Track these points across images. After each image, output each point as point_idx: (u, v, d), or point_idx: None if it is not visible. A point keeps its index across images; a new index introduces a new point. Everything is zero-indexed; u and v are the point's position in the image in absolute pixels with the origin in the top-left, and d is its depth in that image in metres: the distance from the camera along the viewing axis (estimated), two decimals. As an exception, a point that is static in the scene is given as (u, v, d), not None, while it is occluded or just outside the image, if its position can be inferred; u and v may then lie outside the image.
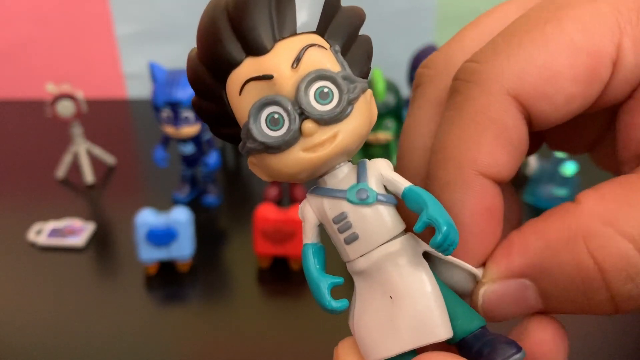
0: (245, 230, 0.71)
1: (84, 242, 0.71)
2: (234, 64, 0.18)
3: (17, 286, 0.66)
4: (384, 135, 0.73)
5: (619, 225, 0.17)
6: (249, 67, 0.17)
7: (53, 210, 0.76)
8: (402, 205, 0.19)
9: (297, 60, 0.17)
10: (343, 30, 0.19)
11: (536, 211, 0.76)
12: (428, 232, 0.18)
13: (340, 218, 0.19)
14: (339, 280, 0.19)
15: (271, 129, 0.17)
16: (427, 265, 0.19)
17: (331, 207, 0.19)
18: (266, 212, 0.64)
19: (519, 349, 0.18)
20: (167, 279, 0.66)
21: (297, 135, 0.17)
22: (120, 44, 1.07)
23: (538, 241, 0.18)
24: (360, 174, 0.19)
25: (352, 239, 0.19)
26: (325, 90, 0.17)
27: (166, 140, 0.76)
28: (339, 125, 0.18)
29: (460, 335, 0.19)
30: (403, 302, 0.18)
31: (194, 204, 0.78)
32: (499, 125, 0.19)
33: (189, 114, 0.70)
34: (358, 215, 0.18)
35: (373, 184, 0.19)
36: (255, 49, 0.17)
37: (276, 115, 0.17)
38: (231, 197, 0.83)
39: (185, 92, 0.69)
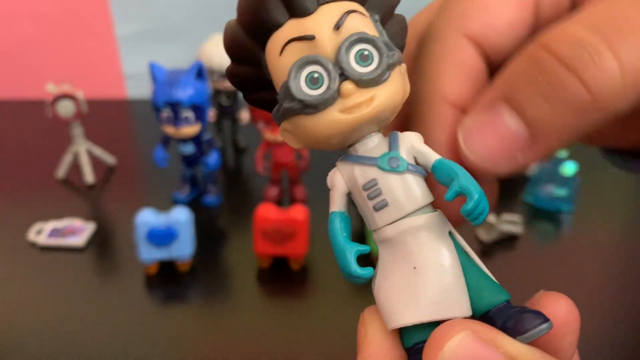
0: (245, 230, 0.71)
1: (84, 242, 0.71)
2: (277, 26, 0.18)
3: (17, 286, 0.66)
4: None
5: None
6: (291, 28, 0.18)
7: (53, 210, 0.76)
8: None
9: (339, 23, 0.18)
10: (381, 4, 0.19)
11: (536, 211, 0.76)
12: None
13: (371, 185, 0.19)
14: (365, 247, 0.19)
15: (310, 88, 0.18)
16: (452, 243, 0.19)
17: (362, 174, 0.19)
18: (266, 212, 0.64)
19: (546, 319, 0.18)
20: (167, 279, 0.66)
21: (335, 95, 0.18)
22: (121, 44, 1.07)
23: (502, 76, 0.19)
24: (392, 144, 0.19)
25: (382, 206, 0.19)
26: (366, 52, 0.18)
27: (166, 140, 0.76)
28: (377, 89, 0.18)
29: (484, 309, 0.19)
30: (426, 274, 0.18)
31: (194, 204, 0.78)
32: (459, 63, 0.21)
33: (189, 114, 0.70)
34: (388, 183, 0.19)
35: (404, 153, 0.19)
36: (299, 11, 0.18)
37: (316, 75, 0.18)
38: (231, 197, 0.83)
39: (185, 92, 0.69)
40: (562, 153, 0.76)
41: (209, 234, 0.74)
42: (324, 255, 0.70)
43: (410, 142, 0.19)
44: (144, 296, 0.65)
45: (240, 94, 0.89)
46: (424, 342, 0.18)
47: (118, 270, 0.69)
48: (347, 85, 0.17)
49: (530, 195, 0.78)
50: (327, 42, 0.18)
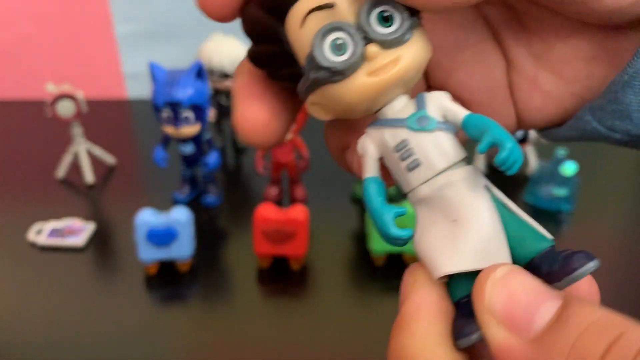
0: (245, 230, 0.71)
1: (84, 242, 0.71)
2: None
3: (17, 286, 0.66)
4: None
5: None
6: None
7: (53, 210, 0.76)
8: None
9: None
10: None
11: (536, 211, 0.76)
12: None
13: (402, 146, 0.19)
14: (402, 209, 0.19)
15: (335, 55, 0.18)
16: (489, 195, 0.19)
17: (392, 136, 0.19)
18: (266, 212, 0.64)
19: (593, 257, 0.18)
20: (167, 279, 0.66)
21: (360, 59, 0.18)
22: (121, 44, 1.07)
23: None
24: (420, 104, 0.19)
25: (414, 165, 0.19)
26: (387, 14, 0.18)
27: (166, 140, 0.76)
28: (401, 49, 0.18)
29: (529, 256, 0.19)
30: (466, 225, 0.18)
31: (194, 204, 0.78)
32: None
33: (189, 114, 0.70)
34: (419, 142, 0.19)
35: (433, 112, 0.19)
36: None
37: (340, 41, 0.18)
38: (231, 197, 0.83)
39: (185, 92, 0.69)
40: (562, 153, 0.76)
41: (209, 234, 0.74)
42: (324, 255, 0.70)
43: (439, 101, 0.19)
44: (144, 296, 0.65)
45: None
46: (470, 295, 0.18)
47: (118, 270, 0.69)
48: (372, 48, 0.18)
49: (530, 195, 0.78)
50: (347, 7, 0.18)
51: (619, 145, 0.22)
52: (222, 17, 0.20)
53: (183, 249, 0.65)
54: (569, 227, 0.76)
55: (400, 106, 0.19)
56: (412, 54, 0.18)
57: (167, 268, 0.66)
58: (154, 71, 0.71)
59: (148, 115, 0.83)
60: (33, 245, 0.71)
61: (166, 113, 0.70)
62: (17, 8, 1.04)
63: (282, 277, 0.67)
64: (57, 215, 0.75)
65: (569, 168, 0.75)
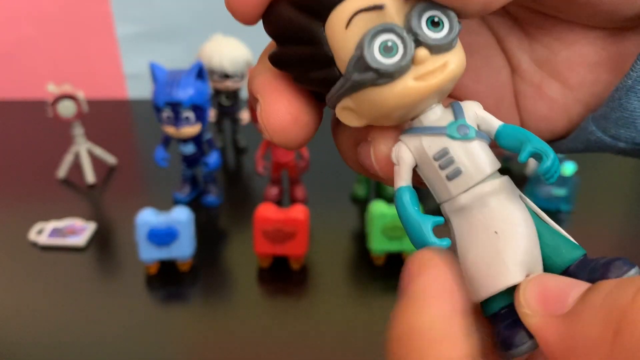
0: (245, 230, 0.72)
1: (85, 241, 0.71)
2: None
3: (18, 286, 0.66)
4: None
5: None
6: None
7: (54, 210, 0.76)
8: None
9: None
10: None
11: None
12: None
13: (442, 154, 0.19)
14: (440, 219, 0.19)
15: (384, 57, 0.17)
16: (524, 205, 0.19)
17: (431, 144, 0.19)
18: (266, 212, 0.64)
19: (633, 264, 0.18)
20: (167, 279, 0.66)
21: (410, 63, 0.17)
22: (121, 44, 1.07)
23: None
24: (457, 112, 0.19)
25: (456, 174, 0.19)
26: (436, 19, 0.18)
27: (167, 141, 0.76)
28: (448, 55, 0.18)
29: (565, 265, 0.19)
30: (508, 237, 0.18)
31: (195, 204, 0.78)
32: None
33: (189, 114, 0.71)
34: (461, 150, 0.18)
35: (470, 121, 0.19)
36: None
37: (390, 43, 0.17)
38: (231, 197, 0.83)
39: (186, 93, 0.70)
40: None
41: (209, 234, 0.74)
42: (324, 255, 0.70)
43: (474, 110, 0.19)
44: (144, 296, 0.65)
45: (241, 94, 0.89)
46: (509, 305, 0.18)
47: (118, 270, 0.69)
48: (422, 52, 0.17)
49: (530, 195, 0.78)
50: (396, 10, 0.17)
51: (623, 155, 0.22)
52: (250, 18, 0.19)
53: (183, 248, 0.65)
54: (568, 227, 0.76)
55: (437, 115, 0.19)
56: (458, 60, 0.18)
57: (167, 268, 0.67)
58: (155, 71, 0.71)
59: (148, 116, 0.83)
60: (34, 245, 0.71)
61: (167, 113, 0.70)
62: (18, 9, 1.04)
63: (282, 277, 0.67)
64: (58, 215, 0.75)
65: (568, 168, 0.75)
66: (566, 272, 0.19)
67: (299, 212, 0.64)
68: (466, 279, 0.19)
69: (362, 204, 0.78)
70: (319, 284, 0.67)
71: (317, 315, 0.63)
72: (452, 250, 0.19)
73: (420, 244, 0.19)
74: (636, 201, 0.85)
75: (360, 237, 0.72)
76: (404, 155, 0.19)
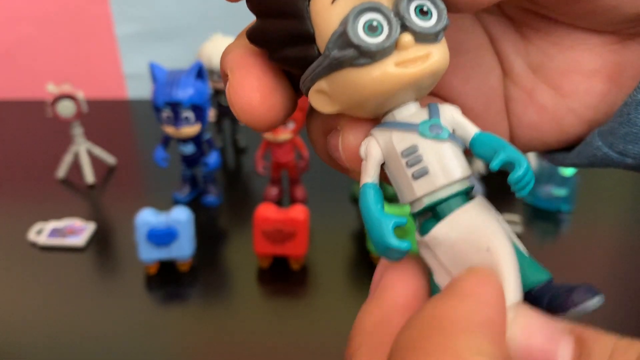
0: (245, 230, 0.71)
1: (85, 242, 0.71)
2: None
3: (18, 286, 0.66)
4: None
5: None
6: None
7: (53, 210, 0.76)
8: None
9: None
10: None
11: (536, 211, 0.76)
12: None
13: (410, 151, 0.18)
14: (402, 220, 0.18)
15: (368, 35, 0.16)
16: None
17: (401, 140, 0.18)
18: (266, 212, 0.64)
19: (596, 292, 0.17)
20: (167, 279, 0.66)
21: (393, 46, 0.17)
22: (121, 44, 1.07)
23: None
24: (433, 112, 0.18)
25: (422, 173, 0.18)
26: (425, 8, 0.17)
27: (166, 141, 0.76)
28: (432, 46, 0.17)
29: (527, 287, 0.18)
30: (501, 255, 0.17)
31: (194, 204, 0.78)
32: None
33: (189, 114, 0.70)
34: (430, 149, 0.18)
35: (445, 122, 0.18)
36: None
37: (375, 23, 0.17)
38: (231, 197, 0.83)
39: (186, 92, 0.69)
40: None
41: (209, 234, 0.74)
42: (324, 255, 0.70)
43: (451, 113, 0.19)
44: (144, 296, 0.65)
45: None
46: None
47: (118, 270, 0.69)
48: (406, 37, 0.17)
49: (530, 195, 0.78)
50: None
51: (631, 170, 0.21)
52: None
53: (183, 248, 0.65)
54: (568, 227, 0.76)
55: (411, 112, 0.18)
56: (441, 55, 0.17)
57: (167, 268, 0.67)
58: (154, 71, 0.71)
59: (148, 115, 0.83)
60: (33, 245, 0.71)
61: (166, 113, 0.70)
62: (17, 8, 1.04)
63: (282, 277, 0.67)
64: (58, 215, 0.75)
65: (568, 168, 0.75)
66: (528, 294, 0.18)
67: (299, 212, 0.64)
68: None
69: (362, 204, 0.78)
70: (319, 284, 0.67)
71: (317, 315, 0.63)
72: (424, 262, 0.18)
73: (380, 244, 0.18)
74: (636, 202, 0.85)
75: (360, 237, 0.72)
76: (373, 150, 0.18)
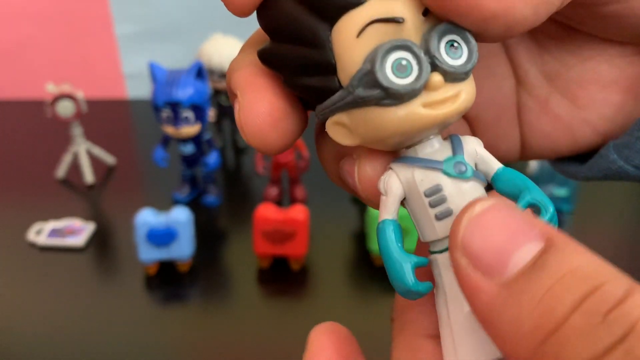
0: (245, 230, 0.71)
1: (84, 242, 0.71)
2: (357, 3, 0.16)
3: (17, 286, 0.66)
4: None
5: None
6: (375, 7, 0.16)
7: (53, 210, 0.76)
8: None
9: (427, 10, 0.16)
10: None
11: (536, 211, 0.76)
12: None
13: (434, 191, 0.17)
14: (423, 260, 0.17)
15: (397, 76, 0.16)
16: None
17: (424, 179, 0.17)
18: (266, 212, 0.64)
19: None
20: (167, 279, 0.66)
21: (422, 87, 0.16)
22: (120, 44, 1.07)
23: None
24: (456, 147, 0.17)
25: (446, 214, 0.17)
26: (456, 44, 0.16)
27: (166, 140, 0.76)
28: (462, 84, 0.16)
29: None
30: None
31: (194, 204, 0.78)
32: None
33: (189, 114, 0.70)
34: (455, 189, 0.17)
35: (468, 158, 0.17)
36: None
37: (404, 62, 0.16)
38: (231, 197, 0.83)
39: (185, 92, 0.69)
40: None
41: (209, 234, 0.74)
42: (324, 255, 0.70)
43: (473, 147, 0.18)
44: (144, 296, 0.65)
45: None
46: None
47: (118, 270, 0.69)
48: (437, 77, 0.16)
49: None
50: (416, 27, 0.16)
51: None
52: (245, 8, 0.17)
53: (183, 249, 0.65)
54: (569, 227, 0.76)
55: (434, 147, 0.18)
56: (470, 93, 0.17)
57: (167, 268, 0.66)
58: (154, 71, 0.71)
59: (148, 115, 0.83)
60: (33, 245, 0.71)
61: (166, 113, 0.70)
62: (17, 8, 1.04)
63: (282, 277, 0.67)
64: (57, 215, 0.75)
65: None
66: None
67: (299, 212, 0.64)
68: (457, 341, 0.17)
69: (362, 204, 0.78)
70: (319, 285, 0.67)
71: (317, 315, 0.63)
72: (439, 297, 0.18)
73: (399, 284, 0.17)
74: (637, 202, 0.85)
75: (360, 238, 0.72)
76: (393, 186, 0.18)
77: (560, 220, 0.76)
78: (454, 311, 0.17)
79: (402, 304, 0.19)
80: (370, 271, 0.68)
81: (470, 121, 0.22)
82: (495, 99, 0.22)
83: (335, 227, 0.75)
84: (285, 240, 0.64)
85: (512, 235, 0.14)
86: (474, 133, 0.22)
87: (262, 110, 0.17)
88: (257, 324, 0.61)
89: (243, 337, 0.59)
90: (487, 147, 0.18)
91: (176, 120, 0.70)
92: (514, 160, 0.23)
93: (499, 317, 0.14)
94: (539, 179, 0.77)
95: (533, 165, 0.82)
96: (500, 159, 0.18)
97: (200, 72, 0.72)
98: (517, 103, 0.22)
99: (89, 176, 0.84)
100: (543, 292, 0.13)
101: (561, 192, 0.76)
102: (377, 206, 0.18)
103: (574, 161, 0.22)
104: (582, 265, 0.14)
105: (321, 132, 0.20)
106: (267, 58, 0.17)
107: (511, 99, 0.22)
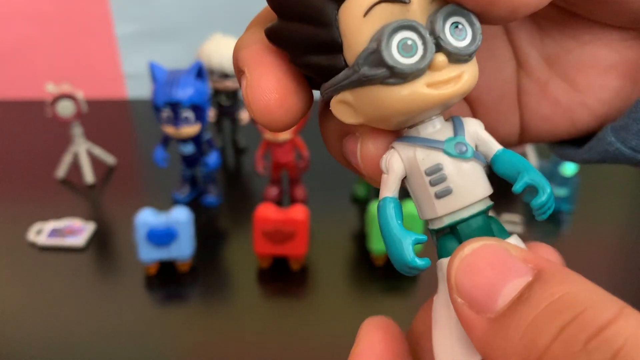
0: (245, 230, 0.71)
1: (84, 242, 0.71)
2: None
3: (17, 286, 0.66)
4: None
5: None
6: None
7: (53, 210, 0.76)
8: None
9: None
10: None
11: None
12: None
13: (435, 169, 0.17)
14: (422, 237, 0.17)
15: (402, 55, 0.16)
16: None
17: (425, 158, 0.18)
18: (266, 212, 0.64)
19: None
20: (167, 279, 0.66)
21: (427, 67, 0.16)
22: (120, 44, 1.07)
23: None
24: (458, 128, 0.18)
25: (445, 193, 0.17)
26: (460, 26, 0.17)
27: (166, 140, 0.76)
28: (465, 66, 0.17)
29: None
30: None
31: (194, 204, 0.78)
32: None
33: (189, 114, 0.70)
34: (454, 169, 0.17)
35: (469, 139, 0.18)
36: None
37: (410, 42, 0.16)
38: (231, 197, 0.83)
39: (185, 92, 0.69)
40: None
41: (209, 234, 0.74)
42: (324, 255, 0.70)
43: (474, 129, 0.18)
44: (144, 296, 0.65)
45: (240, 94, 0.89)
46: None
47: (118, 270, 0.69)
48: (441, 57, 0.16)
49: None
50: (422, 8, 0.16)
51: None
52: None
53: (183, 249, 0.65)
54: (569, 227, 0.76)
55: (436, 128, 0.18)
56: (472, 74, 0.17)
57: (167, 268, 0.66)
58: (154, 71, 0.71)
59: (148, 115, 0.83)
60: (33, 246, 0.71)
61: (166, 113, 0.70)
62: (17, 8, 1.04)
63: (282, 277, 0.67)
64: (57, 215, 0.75)
65: (569, 168, 0.75)
66: None
67: (299, 212, 0.64)
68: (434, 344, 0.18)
69: (362, 204, 0.78)
70: (319, 285, 0.67)
71: (317, 315, 0.63)
72: (439, 298, 0.18)
73: (398, 260, 0.17)
74: (637, 202, 0.85)
75: (360, 238, 0.72)
76: (395, 165, 0.18)
77: (560, 220, 0.76)
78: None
79: (417, 334, 0.20)
80: (370, 271, 0.68)
81: (471, 103, 0.22)
82: (496, 81, 0.22)
83: (335, 227, 0.75)
84: (285, 240, 0.64)
85: (500, 273, 0.15)
86: (474, 115, 0.23)
87: (269, 87, 0.17)
88: (257, 324, 0.61)
89: (243, 337, 0.59)
90: (487, 129, 0.19)
91: (176, 120, 0.70)
92: (514, 143, 0.23)
93: (491, 351, 0.14)
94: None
95: (533, 164, 0.82)
96: (500, 141, 0.18)
97: (200, 72, 0.72)
98: (517, 86, 0.22)
99: (89, 176, 0.84)
100: (527, 323, 0.14)
101: (561, 192, 0.76)
102: (378, 184, 0.19)
103: (571, 143, 0.23)
104: (567, 294, 0.14)
105: (324, 111, 0.20)
106: (274, 36, 0.17)
107: (512, 82, 0.22)
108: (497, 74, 0.22)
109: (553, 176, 0.76)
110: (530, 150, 0.83)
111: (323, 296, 0.65)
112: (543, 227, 0.76)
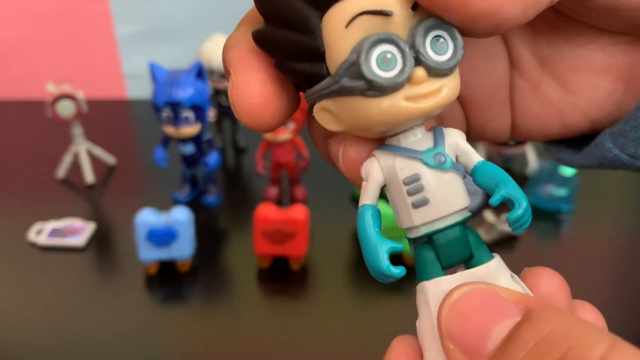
0: (245, 230, 0.71)
1: (84, 242, 0.71)
2: None
3: (17, 286, 0.66)
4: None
5: None
6: None
7: (53, 210, 0.76)
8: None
9: (417, 4, 0.16)
10: None
11: (536, 211, 0.76)
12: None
13: (413, 179, 0.18)
14: (398, 245, 0.18)
15: (381, 69, 0.16)
16: (519, 287, 0.18)
17: (403, 167, 0.18)
18: (266, 212, 0.64)
19: None
20: (167, 279, 0.66)
21: (405, 81, 0.16)
22: (121, 44, 1.07)
23: None
24: (437, 139, 0.18)
25: (422, 203, 0.18)
26: (442, 40, 0.17)
27: (166, 141, 0.76)
28: (446, 79, 0.17)
29: None
30: None
31: (194, 204, 0.78)
32: None
33: (189, 114, 0.70)
34: (432, 179, 0.18)
35: (448, 150, 0.18)
36: None
37: (389, 55, 0.16)
38: (231, 197, 0.83)
39: (185, 92, 0.69)
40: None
41: (209, 234, 0.74)
42: (324, 255, 0.70)
43: (455, 139, 0.18)
44: (144, 296, 0.65)
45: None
46: None
47: (118, 270, 0.69)
48: (420, 72, 0.16)
49: (530, 195, 0.78)
50: (404, 21, 0.16)
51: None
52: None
53: (183, 249, 0.65)
54: (568, 227, 0.76)
55: (416, 137, 0.18)
56: (453, 87, 0.17)
57: (167, 268, 0.66)
58: (154, 71, 0.71)
59: (148, 115, 0.83)
60: (33, 245, 0.71)
61: (166, 113, 0.70)
62: (17, 8, 1.04)
63: (282, 277, 0.67)
64: (58, 215, 0.75)
65: (569, 168, 0.75)
66: None
67: (299, 212, 0.64)
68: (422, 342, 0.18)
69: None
70: (319, 285, 0.67)
71: (317, 315, 0.63)
72: (424, 321, 0.18)
73: (374, 268, 0.18)
74: (637, 202, 0.85)
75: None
76: (374, 173, 0.18)
77: (560, 220, 0.76)
78: None
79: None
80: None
81: (463, 100, 0.22)
82: (488, 79, 0.22)
83: (335, 227, 0.75)
84: (285, 240, 0.64)
85: (489, 316, 0.15)
86: (466, 112, 0.23)
87: (254, 89, 0.17)
88: (257, 324, 0.61)
89: (243, 337, 0.59)
90: (479, 126, 0.18)
91: (176, 120, 0.70)
92: (504, 141, 0.23)
93: None
94: (538, 179, 0.77)
95: (532, 165, 0.82)
96: (490, 138, 0.18)
97: (200, 72, 0.72)
98: (509, 84, 0.22)
99: (89, 176, 0.84)
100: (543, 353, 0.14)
101: (561, 192, 0.76)
102: (360, 186, 0.19)
103: (568, 148, 0.23)
104: (555, 331, 0.14)
105: (312, 112, 0.21)
106: (260, 40, 0.18)
107: (504, 80, 0.22)
108: (489, 72, 0.22)
109: (553, 176, 0.76)
110: (530, 150, 0.83)
111: (323, 296, 0.65)
112: (543, 227, 0.76)
